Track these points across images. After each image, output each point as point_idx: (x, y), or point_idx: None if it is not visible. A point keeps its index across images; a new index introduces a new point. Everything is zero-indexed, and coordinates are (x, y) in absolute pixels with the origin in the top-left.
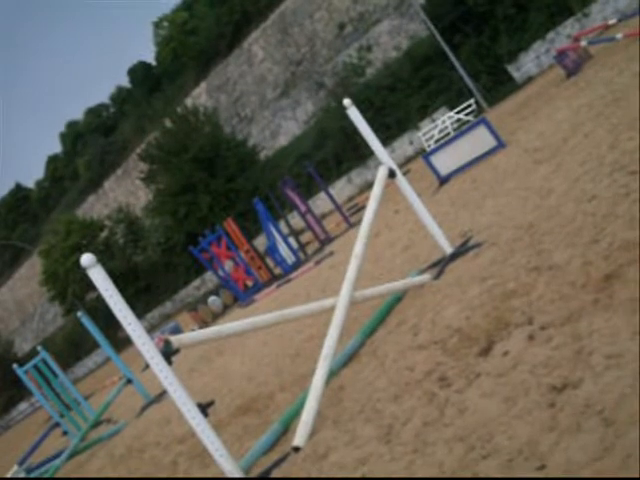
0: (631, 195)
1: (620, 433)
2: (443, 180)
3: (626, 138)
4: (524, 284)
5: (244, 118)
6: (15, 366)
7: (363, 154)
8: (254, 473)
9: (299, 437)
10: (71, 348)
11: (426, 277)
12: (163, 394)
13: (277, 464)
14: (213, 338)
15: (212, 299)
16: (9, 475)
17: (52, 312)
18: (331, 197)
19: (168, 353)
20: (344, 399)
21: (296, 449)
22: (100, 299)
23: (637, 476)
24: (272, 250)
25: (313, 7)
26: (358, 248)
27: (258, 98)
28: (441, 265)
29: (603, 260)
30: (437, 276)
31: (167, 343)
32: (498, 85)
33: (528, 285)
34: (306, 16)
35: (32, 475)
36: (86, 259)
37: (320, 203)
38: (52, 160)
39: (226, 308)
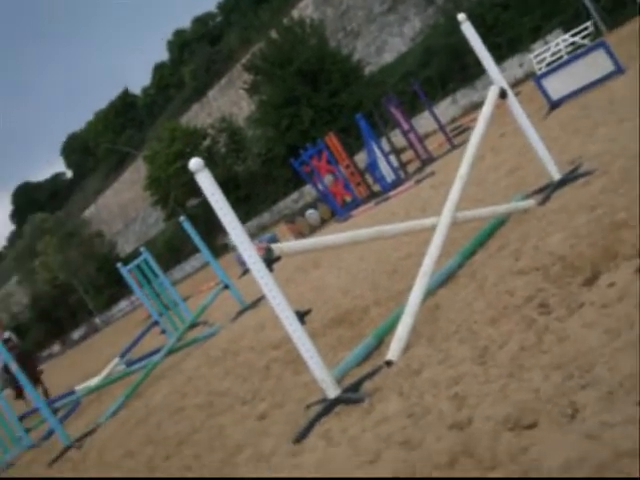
0: None
1: None
2: (554, 104)
3: None
4: (635, 215)
5: (350, 32)
6: (119, 265)
7: (470, 74)
8: (346, 383)
9: (393, 351)
10: (170, 252)
11: (531, 202)
12: (259, 301)
13: (369, 376)
14: (313, 248)
15: (310, 212)
16: (110, 366)
17: (154, 216)
18: (435, 116)
19: (269, 260)
20: (440, 318)
21: (389, 363)
22: (200, 206)
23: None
24: (372, 167)
25: None
26: (463, 168)
27: (365, 12)
28: (548, 191)
29: None
30: (543, 202)
31: (269, 250)
32: (619, 7)
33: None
34: None
35: (132, 367)
36: (194, 163)
37: (423, 122)
38: (159, 68)
39: (323, 222)
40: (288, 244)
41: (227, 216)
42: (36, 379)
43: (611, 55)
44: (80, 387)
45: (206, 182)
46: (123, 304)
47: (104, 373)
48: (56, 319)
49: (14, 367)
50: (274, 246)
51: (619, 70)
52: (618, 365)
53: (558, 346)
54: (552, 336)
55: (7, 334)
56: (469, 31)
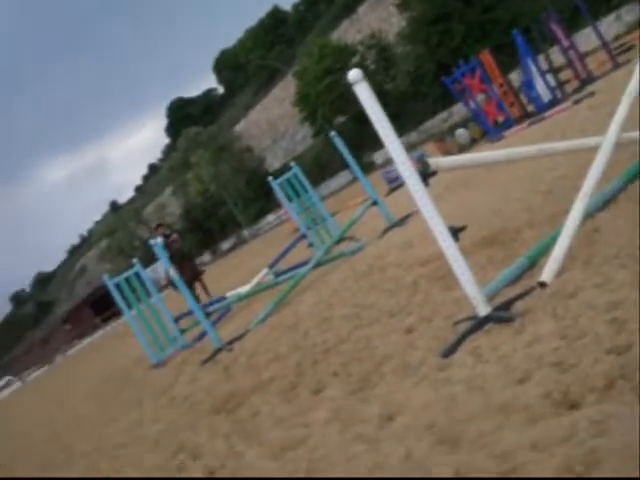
0: None
1: None
2: None
3: None
4: None
5: None
6: (270, 178)
7: None
8: (496, 302)
9: (547, 273)
10: (318, 168)
11: None
12: (406, 218)
13: (521, 296)
14: (470, 164)
15: (460, 131)
16: (259, 276)
17: (301, 133)
18: (598, 33)
19: (425, 174)
20: (598, 242)
21: (542, 284)
22: (348, 123)
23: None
24: (527, 86)
25: None
26: (632, 85)
27: None
28: None
29: None
30: None
31: (425, 164)
32: None
33: None
34: None
35: (281, 278)
36: (353, 74)
37: (583, 40)
38: None
39: (473, 142)
40: (445, 158)
41: (384, 128)
42: (196, 278)
43: None
44: (231, 294)
45: (364, 93)
46: (270, 218)
47: (254, 282)
48: (207, 230)
49: (172, 271)
50: (431, 160)
51: None
52: None
53: None
54: None
55: (168, 231)
56: None
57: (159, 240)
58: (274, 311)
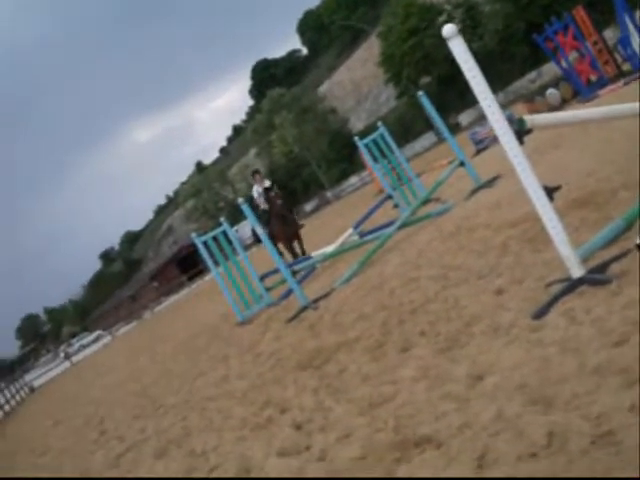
0: None
1: None
2: None
3: None
4: None
5: None
6: (356, 138)
7: None
8: (591, 265)
9: None
10: (402, 130)
11: None
12: (494, 180)
13: (617, 258)
14: (568, 121)
15: (550, 91)
16: (344, 236)
17: (385, 94)
18: None
19: (520, 132)
20: None
21: (639, 246)
22: (433, 84)
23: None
24: (624, 43)
25: None
26: None
27: None
28: None
29: None
30: None
31: (520, 121)
32: None
33: None
34: None
35: (366, 238)
36: (448, 29)
37: None
38: None
39: (564, 102)
40: (540, 115)
41: (479, 85)
42: (295, 234)
43: None
44: (316, 253)
45: (459, 49)
46: (353, 179)
47: (339, 242)
48: (291, 191)
49: (259, 230)
50: (527, 117)
51: None
52: None
53: None
54: None
55: (268, 183)
56: None
57: (259, 190)
58: (359, 271)
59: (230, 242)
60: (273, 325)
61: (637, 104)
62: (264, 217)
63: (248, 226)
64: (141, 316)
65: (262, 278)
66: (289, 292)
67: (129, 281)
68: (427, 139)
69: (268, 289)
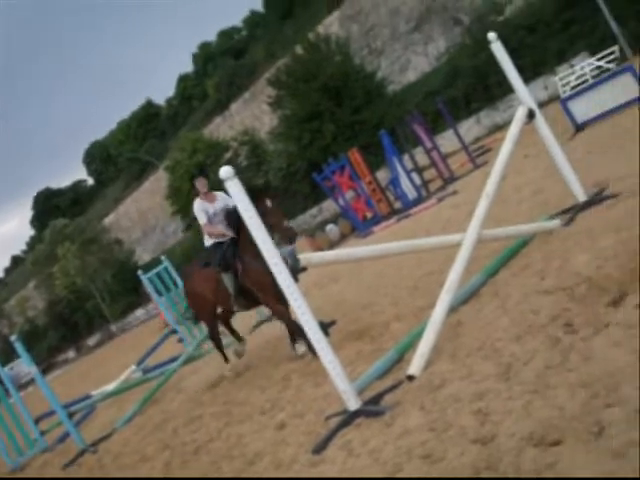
0: None
1: None
2: (579, 127)
3: None
4: None
5: (374, 50)
6: (139, 272)
7: (494, 95)
8: (366, 396)
9: (415, 366)
10: (189, 262)
11: (556, 223)
12: None
13: (390, 390)
14: (341, 260)
15: (330, 227)
16: (127, 373)
17: (173, 226)
18: (459, 136)
19: (295, 270)
20: (462, 335)
21: (410, 378)
22: None
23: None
24: (394, 184)
25: None
26: (490, 186)
27: (390, 31)
28: (573, 212)
29: None
30: (568, 223)
31: (295, 261)
32: None
33: None
34: None
35: (149, 375)
36: (225, 171)
37: (445, 142)
38: (183, 79)
39: (343, 238)
40: (315, 254)
41: (254, 224)
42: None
43: (638, 80)
44: (96, 392)
45: (236, 190)
46: (139, 312)
47: (121, 379)
48: (72, 325)
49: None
50: (302, 256)
51: None
52: None
53: (584, 365)
54: (578, 355)
55: (227, 201)
56: (499, 51)
57: (213, 208)
58: (142, 409)
59: (2, 382)
60: (48, 471)
61: (400, 243)
62: (217, 255)
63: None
64: None
65: (37, 421)
66: (66, 435)
67: None
68: None
69: (43, 432)
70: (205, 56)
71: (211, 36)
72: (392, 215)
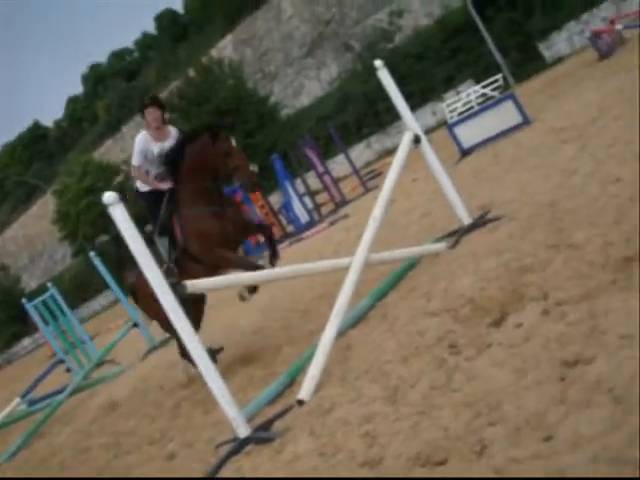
0: None
1: (629, 411)
2: (465, 152)
3: None
4: (541, 260)
5: (268, 74)
6: (24, 301)
7: (384, 121)
8: (257, 422)
9: (304, 391)
10: (78, 289)
11: (442, 246)
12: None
13: (280, 415)
14: (226, 286)
15: None
16: (11, 406)
17: (61, 252)
18: (350, 160)
19: (182, 296)
20: (351, 358)
21: (300, 402)
22: (111, 243)
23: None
24: (286, 207)
25: None
26: (377, 210)
27: (283, 56)
28: (458, 235)
29: (624, 242)
30: (453, 245)
31: (182, 287)
32: (527, 62)
33: (545, 262)
34: None
35: (35, 407)
36: (108, 197)
37: (337, 166)
38: (72, 101)
39: None
40: (202, 280)
41: (140, 250)
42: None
43: (519, 107)
44: None
45: (119, 216)
46: (26, 342)
47: (4, 412)
48: None
49: None
50: (188, 282)
51: (526, 121)
52: (525, 403)
53: (467, 385)
54: (462, 375)
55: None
56: (385, 77)
57: (159, 147)
58: (27, 443)
59: None
60: None
61: (290, 267)
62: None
63: None
64: None
65: None
66: None
67: None
68: (105, 298)
69: None
70: (95, 77)
71: (102, 57)
72: (285, 239)
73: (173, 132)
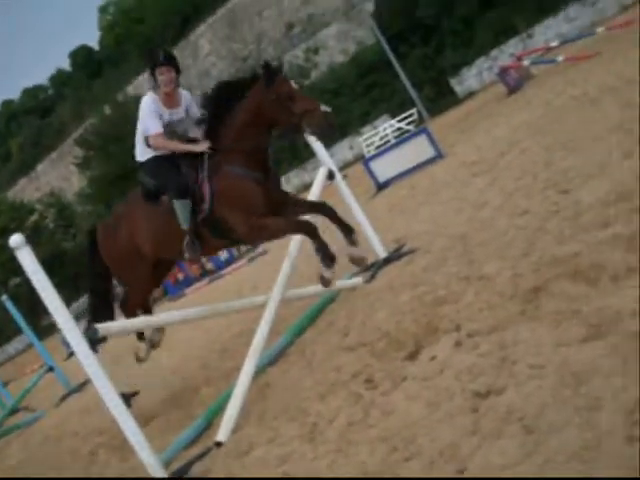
0: (561, 212)
1: (540, 440)
2: (381, 186)
3: (560, 157)
4: (454, 292)
5: None
6: None
7: (301, 156)
8: (175, 467)
9: (222, 432)
10: None
11: (358, 280)
12: (85, 384)
13: (198, 458)
14: (141, 328)
15: None
16: None
17: None
18: None
19: (94, 340)
20: (269, 397)
21: (218, 444)
22: (24, 285)
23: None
24: None
25: (263, 5)
26: (293, 247)
27: (201, 92)
28: (374, 269)
29: (532, 273)
30: (369, 280)
31: (93, 330)
32: (440, 97)
33: (458, 293)
34: (255, 13)
35: None
36: (15, 240)
37: None
38: None
39: (154, 301)
40: (116, 323)
41: (49, 295)
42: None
43: (432, 141)
44: None
45: (27, 260)
46: None
47: None
48: None
49: None
50: (100, 326)
51: (439, 155)
52: (439, 436)
53: (383, 420)
54: (378, 410)
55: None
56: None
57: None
58: None
59: None
60: None
61: (207, 307)
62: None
63: None
64: None
65: None
66: None
67: None
68: (20, 342)
69: None
70: (8, 115)
71: (15, 94)
72: (204, 276)
73: (187, 97)
